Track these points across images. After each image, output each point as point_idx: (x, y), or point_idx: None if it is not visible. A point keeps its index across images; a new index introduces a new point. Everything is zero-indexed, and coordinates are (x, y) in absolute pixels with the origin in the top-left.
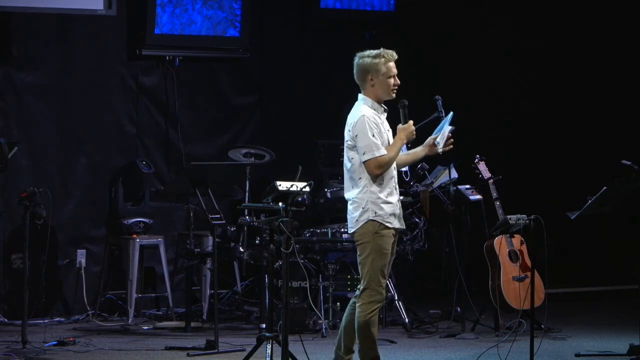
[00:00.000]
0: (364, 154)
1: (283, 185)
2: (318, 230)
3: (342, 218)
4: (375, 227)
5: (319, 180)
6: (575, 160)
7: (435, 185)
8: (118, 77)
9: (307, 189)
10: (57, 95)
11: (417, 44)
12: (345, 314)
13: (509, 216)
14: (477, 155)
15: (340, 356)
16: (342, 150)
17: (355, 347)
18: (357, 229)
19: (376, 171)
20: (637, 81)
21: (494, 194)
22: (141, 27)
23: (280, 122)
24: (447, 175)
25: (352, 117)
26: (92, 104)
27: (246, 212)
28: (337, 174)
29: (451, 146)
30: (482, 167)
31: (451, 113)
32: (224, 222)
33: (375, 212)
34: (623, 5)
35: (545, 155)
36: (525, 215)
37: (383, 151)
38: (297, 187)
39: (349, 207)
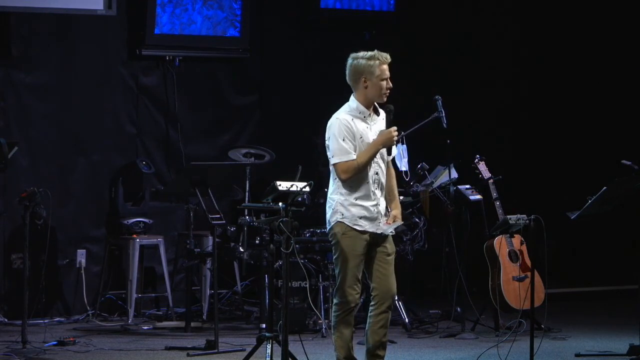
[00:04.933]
0: (332, 157)
1: (283, 185)
2: (318, 231)
3: None
4: (342, 228)
5: (319, 180)
6: (575, 160)
7: (435, 185)
8: (118, 77)
9: (307, 189)
10: (57, 95)
11: (417, 44)
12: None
13: (509, 216)
14: (477, 155)
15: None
16: None
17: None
18: (329, 229)
19: (343, 175)
20: (637, 81)
21: (494, 194)
22: (141, 27)
23: (280, 122)
24: (447, 175)
25: (330, 119)
26: (92, 104)
27: (246, 212)
28: None
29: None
30: (482, 167)
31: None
32: (224, 222)
33: (342, 214)
34: (623, 5)
35: (545, 155)
36: (525, 215)
37: (352, 156)
38: (297, 187)
39: (325, 205)
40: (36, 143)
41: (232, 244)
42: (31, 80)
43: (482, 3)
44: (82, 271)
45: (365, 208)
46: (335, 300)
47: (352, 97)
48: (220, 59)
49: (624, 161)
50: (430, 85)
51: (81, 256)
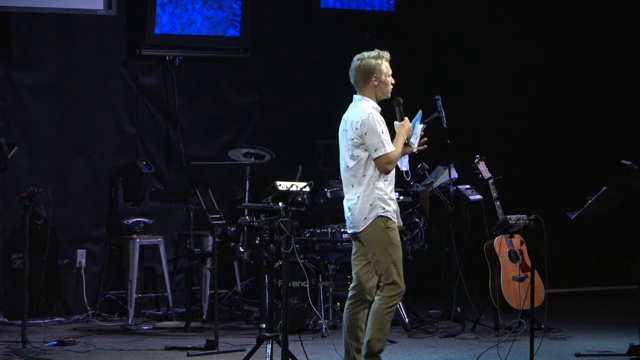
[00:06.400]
0: (375, 150)
1: (283, 185)
2: (318, 230)
3: (342, 218)
4: (385, 222)
5: (319, 180)
6: (575, 160)
7: (435, 185)
8: (118, 77)
9: (307, 189)
10: (57, 95)
11: (417, 44)
12: (345, 318)
13: (509, 216)
14: (477, 155)
15: (353, 358)
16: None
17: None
18: (367, 226)
19: (388, 167)
20: (637, 81)
21: (494, 194)
22: (141, 27)
23: (280, 122)
24: (447, 175)
25: (358, 116)
26: (92, 104)
27: (246, 212)
28: (337, 174)
29: (425, 145)
30: (482, 167)
31: (420, 111)
32: (224, 222)
33: (384, 208)
34: (623, 5)
35: (545, 155)
36: (525, 215)
37: (392, 147)
38: (297, 187)
39: (353, 205)
40: (36, 143)
41: (232, 244)
42: (31, 80)
43: (482, 3)
44: (82, 271)
45: (395, 202)
46: (382, 294)
47: (361, 97)
48: (220, 59)
49: (624, 161)
50: (430, 85)
51: (81, 256)
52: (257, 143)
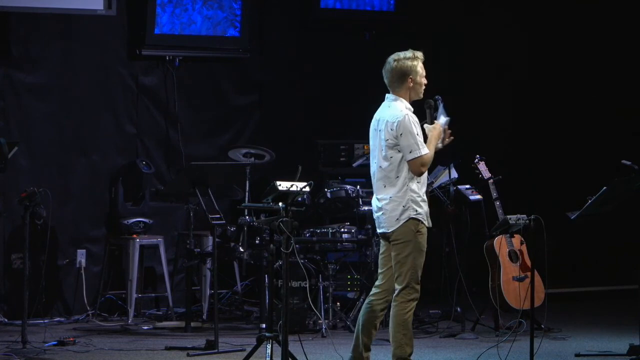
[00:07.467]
0: (410, 152)
1: (283, 185)
2: (318, 230)
3: (342, 218)
4: (416, 225)
5: (319, 180)
6: (575, 160)
7: (435, 185)
8: (118, 77)
9: (307, 189)
10: (57, 95)
11: (417, 44)
12: (362, 312)
13: (509, 216)
14: (477, 155)
15: (360, 353)
16: (343, 149)
17: (372, 346)
18: (398, 227)
19: (422, 169)
20: (637, 81)
21: (494, 194)
22: (141, 27)
23: (280, 122)
24: (447, 175)
25: (394, 116)
26: (92, 104)
27: (246, 212)
28: (337, 174)
29: (452, 137)
30: (482, 167)
31: (441, 105)
32: (224, 222)
33: (416, 211)
34: (623, 5)
35: (545, 155)
36: (525, 215)
37: (426, 149)
38: (297, 187)
39: (385, 205)
40: (36, 143)
41: (232, 244)
42: (31, 80)
43: (482, 3)
44: (82, 271)
45: (427, 204)
46: (402, 299)
47: (393, 96)
48: (220, 59)
49: (624, 161)
50: (430, 85)
51: (81, 256)
52: (257, 143)
